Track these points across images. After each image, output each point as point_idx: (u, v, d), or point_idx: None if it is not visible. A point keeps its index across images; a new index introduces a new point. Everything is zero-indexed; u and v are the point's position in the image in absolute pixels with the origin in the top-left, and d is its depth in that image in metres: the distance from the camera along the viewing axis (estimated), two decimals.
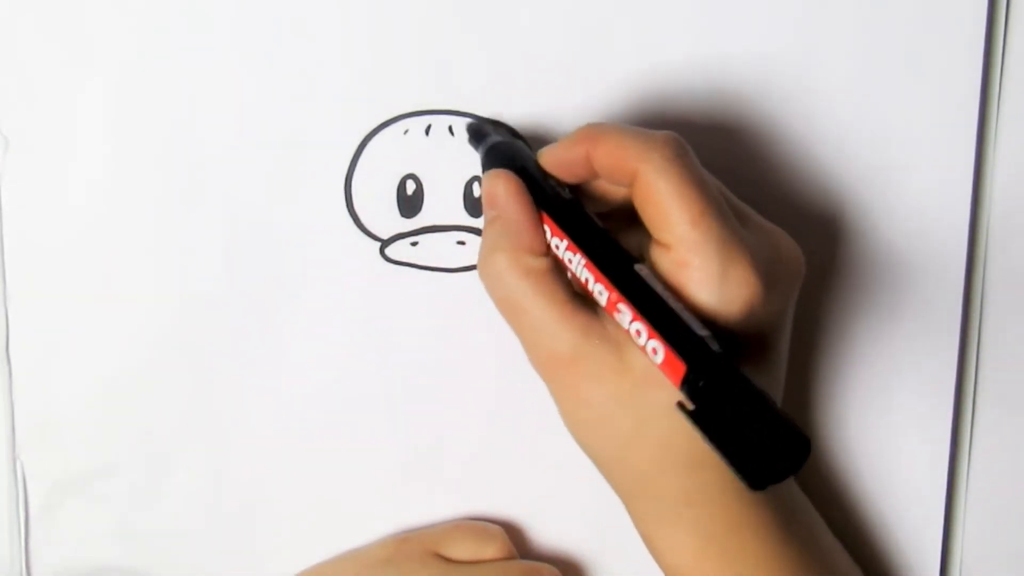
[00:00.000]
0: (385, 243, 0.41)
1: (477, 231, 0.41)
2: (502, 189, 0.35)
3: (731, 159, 0.41)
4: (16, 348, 0.41)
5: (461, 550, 0.41)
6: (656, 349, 0.31)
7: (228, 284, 0.41)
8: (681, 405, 0.30)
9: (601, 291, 0.33)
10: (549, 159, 0.36)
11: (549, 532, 0.44)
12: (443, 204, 0.41)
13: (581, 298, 0.34)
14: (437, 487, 0.43)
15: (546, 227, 0.35)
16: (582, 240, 0.34)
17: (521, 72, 0.40)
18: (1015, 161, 0.42)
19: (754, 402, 0.29)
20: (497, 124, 0.40)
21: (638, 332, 0.31)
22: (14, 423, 0.41)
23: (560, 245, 0.34)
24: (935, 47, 0.41)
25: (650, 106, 0.41)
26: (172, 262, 0.41)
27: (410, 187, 0.41)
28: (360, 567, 0.42)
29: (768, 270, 0.33)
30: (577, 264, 0.33)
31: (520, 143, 0.38)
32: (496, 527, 0.43)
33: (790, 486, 0.38)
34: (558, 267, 0.35)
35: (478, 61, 0.40)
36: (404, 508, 0.43)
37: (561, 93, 0.40)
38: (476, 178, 0.41)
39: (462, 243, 0.41)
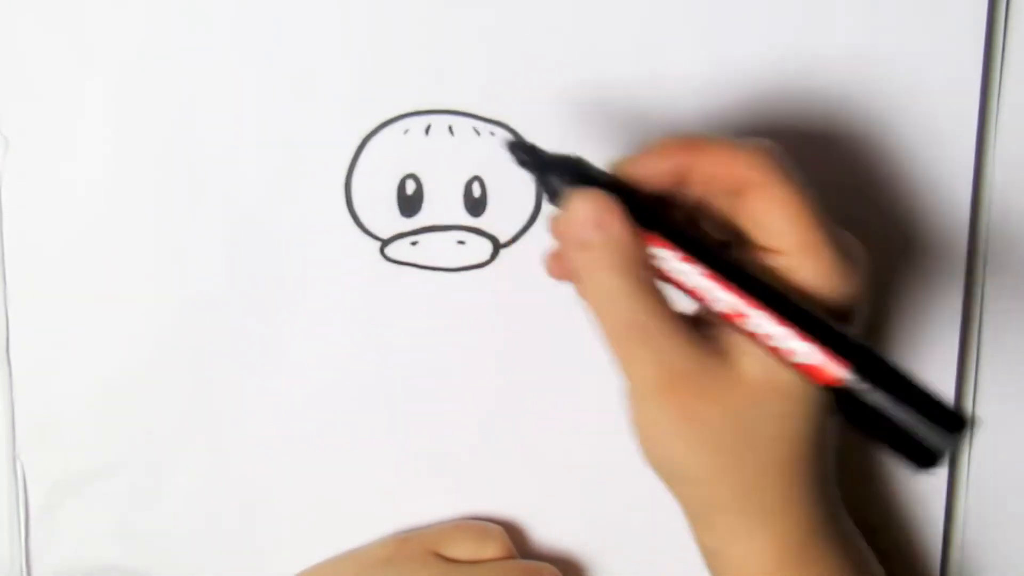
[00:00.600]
0: (385, 243, 0.41)
1: (477, 231, 0.41)
2: (605, 210, 0.33)
3: None
4: (16, 348, 0.41)
5: (461, 549, 0.41)
6: (808, 352, 0.31)
7: (228, 284, 0.41)
8: (842, 402, 0.31)
9: (727, 299, 0.32)
10: (637, 169, 0.34)
11: (549, 532, 0.44)
12: (443, 204, 0.41)
13: (687, 315, 0.34)
14: (437, 487, 0.43)
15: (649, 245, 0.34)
16: (697, 251, 0.33)
17: (521, 72, 0.40)
18: (1015, 161, 0.42)
19: (911, 388, 0.31)
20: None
21: (780, 337, 0.32)
22: (14, 423, 0.42)
23: (667, 257, 0.33)
24: (935, 47, 0.41)
25: (650, 106, 0.41)
26: (172, 262, 0.41)
27: (410, 187, 0.41)
28: (360, 567, 0.42)
29: (864, 270, 0.34)
30: (692, 275, 0.33)
31: (580, 159, 0.35)
32: (496, 527, 0.42)
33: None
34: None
35: (478, 61, 0.40)
36: (404, 508, 0.43)
37: (561, 93, 0.40)
38: (476, 178, 0.41)
39: (462, 243, 0.41)
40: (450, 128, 0.40)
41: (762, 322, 0.32)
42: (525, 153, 0.35)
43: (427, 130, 0.40)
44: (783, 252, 0.33)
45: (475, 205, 0.41)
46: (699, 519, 0.35)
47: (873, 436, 0.32)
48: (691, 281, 0.33)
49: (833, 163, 0.42)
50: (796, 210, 0.33)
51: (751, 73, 0.41)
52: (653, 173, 0.34)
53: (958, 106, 0.41)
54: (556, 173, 0.34)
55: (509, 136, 0.38)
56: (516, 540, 0.43)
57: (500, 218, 0.41)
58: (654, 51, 0.40)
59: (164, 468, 0.42)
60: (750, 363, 0.33)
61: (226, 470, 0.42)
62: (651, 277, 0.33)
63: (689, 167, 0.34)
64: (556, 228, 0.34)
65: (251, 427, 0.42)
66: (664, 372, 0.33)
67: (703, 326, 0.34)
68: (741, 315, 0.32)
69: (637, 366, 0.33)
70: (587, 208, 0.33)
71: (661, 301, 0.33)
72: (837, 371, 0.31)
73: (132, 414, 0.42)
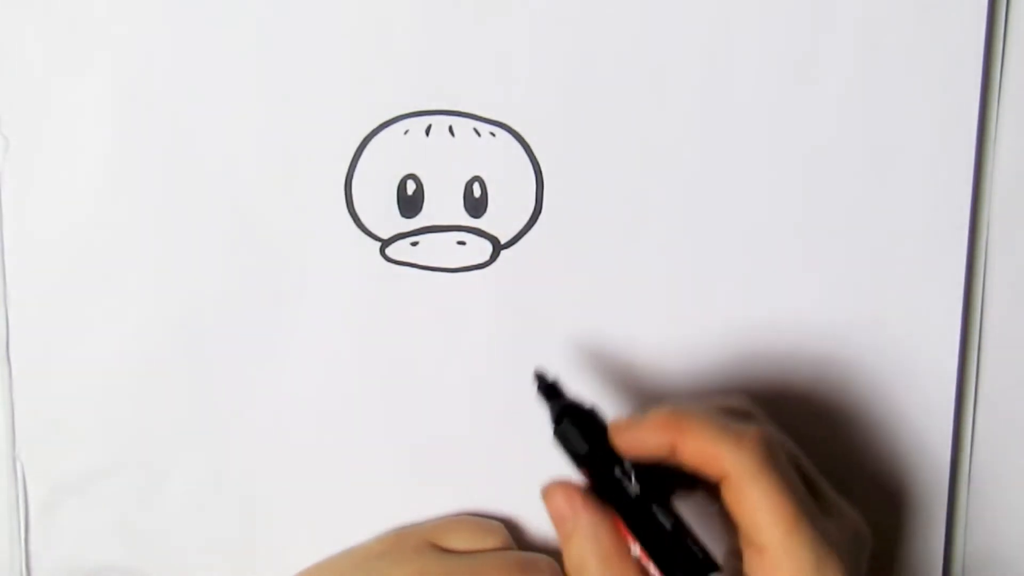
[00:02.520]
0: (385, 243, 0.41)
1: (477, 231, 0.41)
2: (579, 501, 0.34)
3: (726, 145, 0.41)
4: (16, 348, 0.41)
5: (460, 541, 0.42)
6: None
7: (228, 284, 0.41)
8: None
9: None
10: (627, 442, 0.35)
11: (547, 528, 0.43)
12: (443, 204, 0.41)
13: None
14: (437, 486, 0.43)
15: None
16: (654, 550, 0.33)
17: (521, 72, 0.40)
18: (1015, 161, 0.42)
19: None
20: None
21: None
22: (14, 423, 0.42)
23: (634, 549, 0.34)
24: (935, 47, 0.41)
25: (650, 105, 0.41)
26: (172, 262, 0.41)
27: (410, 187, 0.41)
28: (358, 560, 0.42)
29: (854, 565, 0.34)
30: (654, 571, 0.34)
31: (598, 414, 0.36)
32: (496, 522, 0.43)
33: None
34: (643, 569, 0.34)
35: (478, 61, 0.40)
36: (404, 507, 0.43)
37: (561, 93, 0.40)
38: (476, 178, 0.41)
39: (462, 243, 0.41)
40: (450, 129, 0.40)
41: None
42: (546, 389, 0.37)
43: (427, 131, 0.40)
44: (763, 551, 0.33)
45: (475, 206, 0.41)
46: None
47: None
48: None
49: (833, 162, 0.42)
50: (774, 513, 0.32)
51: (750, 71, 0.41)
52: (643, 449, 0.34)
53: (958, 106, 0.41)
54: (566, 424, 0.36)
55: (541, 370, 0.38)
56: (515, 535, 0.43)
57: (500, 219, 0.41)
58: (655, 50, 0.40)
59: (164, 468, 0.42)
60: None
61: (226, 470, 0.42)
62: (633, 569, 0.34)
63: (675, 448, 0.34)
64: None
65: (251, 427, 0.42)
66: None
67: None
68: None
69: None
70: (561, 500, 0.35)
71: None
72: None
73: (132, 414, 0.42)
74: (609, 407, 0.41)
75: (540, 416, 0.37)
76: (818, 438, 0.43)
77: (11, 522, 0.42)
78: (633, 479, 0.34)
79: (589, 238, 0.41)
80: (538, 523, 0.44)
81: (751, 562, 0.33)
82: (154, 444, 0.42)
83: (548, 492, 0.35)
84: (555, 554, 0.43)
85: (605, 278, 0.42)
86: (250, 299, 0.41)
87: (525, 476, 0.43)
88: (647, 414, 0.35)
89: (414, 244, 0.41)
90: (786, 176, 0.42)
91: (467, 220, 0.41)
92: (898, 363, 0.43)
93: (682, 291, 0.42)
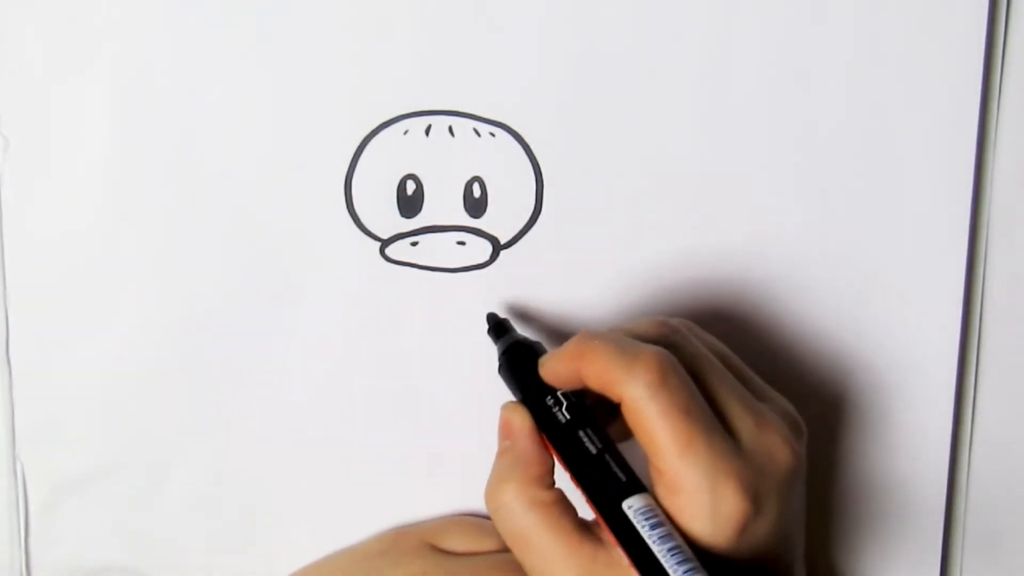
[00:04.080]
0: (385, 243, 0.41)
1: (477, 231, 0.41)
2: (516, 423, 0.36)
3: (726, 145, 0.41)
4: (16, 348, 0.41)
5: (458, 543, 0.42)
6: None
7: (228, 284, 0.41)
8: None
9: (601, 525, 0.34)
10: (548, 372, 0.36)
11: None
12: (443, 204, 0.41)
13: (587, 525, 0.34)
14: (436, 486, 0.43)
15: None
16: (578, 471, 0.34)
17: (521, 72, 0.40)
18: (1015, 161, 0.42)
19: None
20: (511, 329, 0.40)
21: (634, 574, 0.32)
22: (14, 423, 0.42)
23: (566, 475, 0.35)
24: (935, 47, 0.41)
25: (650, 105, 0.41)
26: (172, 262, 0.41)
27: (410, 187, 0.41)
28: (356, 559, 0.42)
29: (759, 484, 0.33)
30: (581, 495, 0.34)
31: (535, 347, 0.38)
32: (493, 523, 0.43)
33: None
34: (565, 497, 0.35)
35: (478, 61, 0.40)
36: (403, 507, 0.43)
37: (561, 93, 0.40)
38: (476, 178, 0.41)
39: (462, 243, 0.41)
40: (450, 129, 0.40)
41: (621, 554, 0.33)
42: (495, 327, 0.39)
43: (427, 131, 0.40)
44: (661, 473, 0.33)
45: (475, 206, 0.41)
46: None
47: None
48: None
49: (833, 162, 0.42)
50: (666, 435, 0.32)
51: (750, 70, 0.41)
52: (560, 378, 0.35)
53: (958, 106, 0.41)
54: (507, 359, 0.38)
55: (494, 314, 0.40)
56: None
57: (500, 219, 0.41)
58: (654, 49, 0.40)
59: (164, 468, 0.42)
60: None
61: (226, 469, 0.42)
62: (551, 493, 0.34)
63: (580, 375, 0.34)
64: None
65: (251, 427, 0.42)
66: None
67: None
68: (612, 542, 0.33)
69: (529, 571, 0.34)
70: (503, 417, 0.36)
71: (556, 516, 0.34)
72: None
73: (132, 414, 0.42)
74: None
75: None
76: (818, 438, 0.43)
77: (11, 522, 0.42)
78: (564, 408, 0.35)
79: (589, 238, 0.41)
80: None
81: (656, 482, 0.33)
82: (154, 444, 0.42)
83: (503, 408, 0.37)
84: None
85: (605, 278, 0.42)
86: (250, 299, 0.41)
87: None
88: (565, 343, 0.35)
89: (414, 244, 0.41)
90: (786, 176, 0.42)
91: (467, 220, 0.41)
92: (898, 363, 0.43)
93: (682, 291, 0.42)
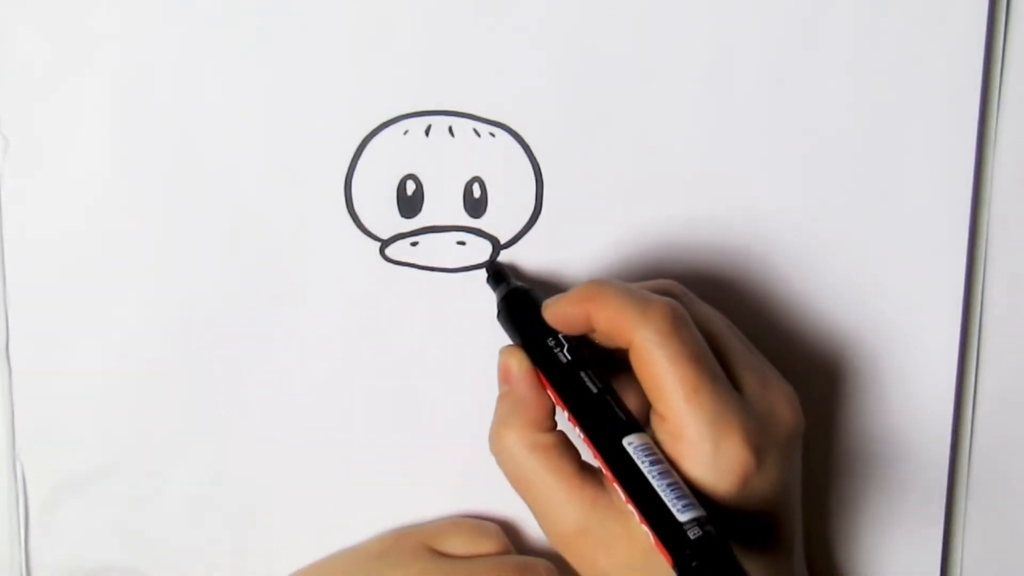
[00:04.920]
0: (385, 243, 0.41)
1: (477, 231, 0.41)
2: (515, 367, 0.36)
3: (726, 145, 0.41)
4: (16, 348, 0.41)
5: (457, 545, 0.42)
6: (647, 533, 0.32)
7: (228, 284, 0.41)
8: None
9: (600, 465, 0.34)
10: (553, 314, 0.36)
11: None
12: (443, 204, 0.41)
13: (589, 468, 0.35)
14: (435, 486, 0.43)
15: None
16: (578, 410, 0.34)
17: (521, 72, 0.40)
18: (1015, 161, 0.42)
19: None
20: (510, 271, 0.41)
21: (632, 511, 0.32)
22: (14, 423, 0.42)
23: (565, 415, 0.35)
24: (935, 47, 0.41)
25: (650, 105, 0.41)
26: (172, 262, 0.41)
27: (410, 187, 0.41)
28: (356, 560, 0.42)
29: (761, 439, 0.33)
30: (578, 435, 0.34)
31: (533, 294, 0.38)
32: (492, 524, 0.43)
33: None
34: (566, 440, 0.35)
35: (478, 61, 0.40)
36: (403, 507, 0.43)
37: (561, 93, 0.40)
38: (476, 178, 0.41)
39: (462, 243, 0.41)
40: (450, 129, 0.40)
41: (620, 493, 0.33)
42: (494, 275, 0.40)
43: (427, 131, 0.40)
44: (665, 418, 0.33)
45: (475, 206, 0.41)
46: None
47: None
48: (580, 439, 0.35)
49: (833, 163, 0.42)
50: (674, 380, 0.33)
51: (750, 70, 0.41)
52: (566, 320, 0.36)
53: (958, 106, 0.41)
54: (505, 304, 0.38)
55: (495, 262, 0.40)
56: (512, 539, 0.43)
57: (500, 219, 0.41)
58: (654, 49, 0.40)
59: (164, 468, 0.42)
60: (636, 522, 0.33)
61: (226, 470, 0.42)
62: (551, 436, 0.35)
63: (590, 317, 0.35)
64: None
65: (251, 427, 0.42)
66: (554, 527, 0.35)
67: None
68: (612, 482, 0.33)
69: (537, 517, 0.35)
70: (501, 360, 0.36)
71: (556, 458, 0.34)
72: (666, 556, 0.31)
73: (132, 414, 0.42)
74: None
75: None
76: (818, 438, 0.43)
77: (11, 522, 0.42)
78: (565, 350, 0.35)
79: (589, 238, 0.41)
80: (535, 526, 0.44)
81: (657, 429, 0.34)
82: (154, 444, 0.42)
83: (501, 352, 0.37)
84: (553, 557, 0.43)
85: (605, 278, 0.42)
86: (250, 299, 0.41)
87: None
88: (573, 287, 0.36)
89: (414, 244, 0.41)
90: (786, 176, 0.42)
91: (467, 220, 0.41)
92: (898, 363, 0.43)
93: None
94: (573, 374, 0.35)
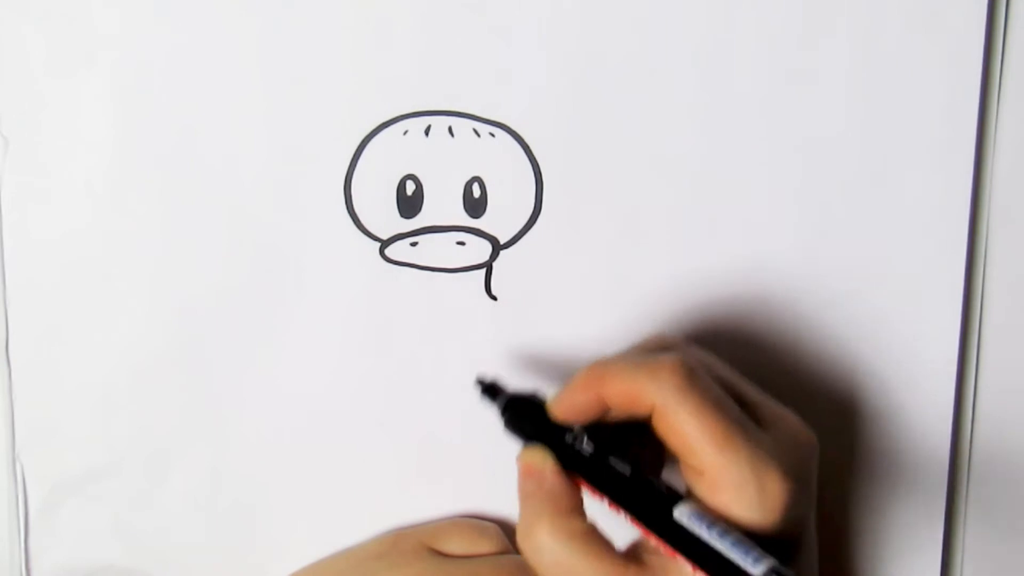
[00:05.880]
0: (385, 243, 0.41)
1: (476, 231, 0.41)
2: (540, 463, 0.35)
3: (726, 145, 0.41)
4: (16, 348, 0.41)
5: (456, 545, 0.42)
6: None
7: (228, 284, 0.41)
8: None
9: (654, 544, 0.33)
10: (563, 409, 0.36)
11: None
12: (443, 204, 0.41)
13: (622, 550, 0.34)
14: (435, 486, 0.43)
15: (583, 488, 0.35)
16: (619, 496, 0.34)
17: (520, 72, 0.40)
18: (1015, 161, 0.42)
19: None
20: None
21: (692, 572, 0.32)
22: (14, 423, 0.42)
23: (603, 503, 0.35)
24: (935, 47, 0.41)
25: (650, 105, 0.41)
26: (172, 262, 0.41)
27: (410, 187, 0.41)
28: (355, 560, 0.42)
29: (793, 466, 0.33)
30: (625, 519, 0.34)
31: (533, 397, 0.37)
32: (492, 524, 0.43)
33: None
34: (598, 527, 0.35)
35: (478, 62, 0.40)
36: (402, 507, 0.43)
37: (561, 94, 0.40)
38: (476, 179, 0.41)
39: (462, 243, 0.41)
40: (450, 129, 0.40)
41: (685, 565, 0.32)
42: (487, 390, 0.38)
43: (427, 131, 0.40)
44: (701, 473, 0.33)
45: (475, 206, 0.41)
46: None
47: None
48: (626, 521, 0.34)
49: (833, 163, 0.42)
50: (703, 434, 0.32)
51: (749, 71, 0.41)
52: (577, 410, 0.35)
53: (958, 106, 0.41)
54: (511, 414, 0.37)
55: (480, 375, 0.39)
56: (512, 539, 0.43)
57: (500, 219, 0.41)
58: (654, 49, 0.40)
59: (163, 468, 0.42)
60: None
61: (225, 469, 0.42)
62: (587, 523, 0.34)
63: (603, 399, 0.35)
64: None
65: (250, 427, 0.42)
66: None
67: (650, 551, 0.34)
68: (671, 556, 0.33)
69: None
70: (524, 462, 0.36)
71: (595, 544, 0.34)
72: None
73: (132, 414, 0.42)
74: None
75: None
76: (818, 438, 0.43)
77: (11, 522, 0.42)
78: (585, 440, 0.35)
79: (589, 238, 0.41)
80: None
81: (695, 487, 0.33)
82: (154, 444, 0.42)
83: (520, 456, 0.36)
84: None
85: (604, 278, 0.42)
86: (250, 299, 0.41)
87: None
88: (573, 377, 0.35)
89: (413, 244, 0.41)
90: (785, 176, 0.42)
91: (466, 220, 0.41)
92: (898, 363, 0.43)
93: (682, 291, 0.42)
94: (602, 463, 0.35)
